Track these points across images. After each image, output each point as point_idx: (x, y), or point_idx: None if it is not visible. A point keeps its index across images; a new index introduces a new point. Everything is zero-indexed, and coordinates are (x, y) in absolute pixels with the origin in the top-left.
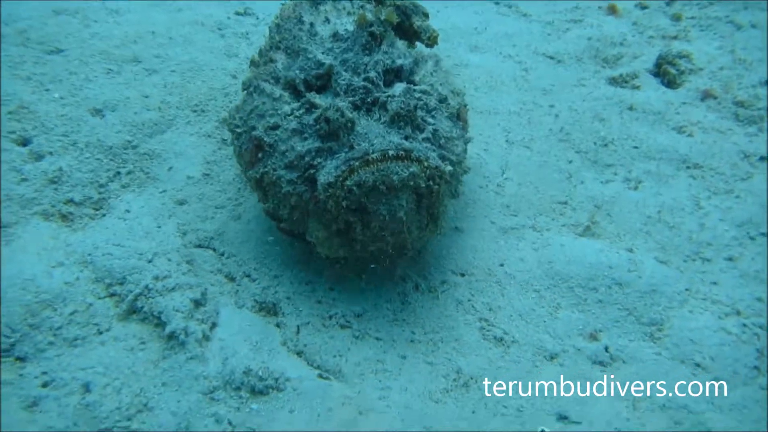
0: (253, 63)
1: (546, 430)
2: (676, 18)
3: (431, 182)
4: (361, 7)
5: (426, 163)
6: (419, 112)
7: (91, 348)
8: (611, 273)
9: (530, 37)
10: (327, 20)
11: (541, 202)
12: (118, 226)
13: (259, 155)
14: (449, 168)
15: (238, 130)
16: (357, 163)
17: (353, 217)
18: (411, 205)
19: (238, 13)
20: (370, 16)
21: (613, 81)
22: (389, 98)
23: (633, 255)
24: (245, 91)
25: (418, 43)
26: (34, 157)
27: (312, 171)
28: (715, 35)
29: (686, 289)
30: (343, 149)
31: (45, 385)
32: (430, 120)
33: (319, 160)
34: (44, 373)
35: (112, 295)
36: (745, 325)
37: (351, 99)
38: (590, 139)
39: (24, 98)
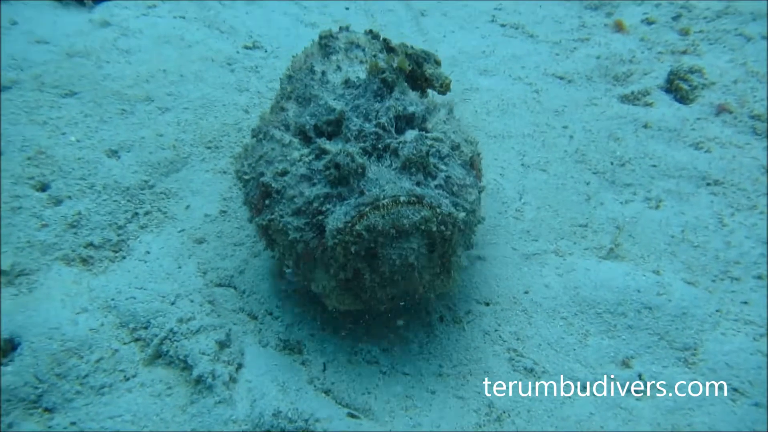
0: (262, 118)
1: None
2: (684, 32)
3: (443, 227)
4: (374, 56)
5: (438, 209)
6: (431, 159)
7: (118, 395)
8: (639, 297)
9: (539, 58)
10: (339, 68)
11: (561, 226)
12: (139, 269)
13: (267, 202)
14: (462, 214)
15: (246, 177)
16: (367, 209)
17: (362, 264)
18: (422, 251)
19: (246, 47)
20: (382, 63)
21: (625, 99)
22: (401, 144)
23: (660, 277)
24: (254, 138)
25: (431, 91)
26: (53, 201)
27: (320, 217)
28: (725, 48)
29: (717, 311)
30: (353, 195)
31: None
32: (443, 167)
33: (328, 206)
34: (73, 423)
35: (137, 339)
36: None
37: (362, 145)
38: (607, 159)
39: (41, 143)
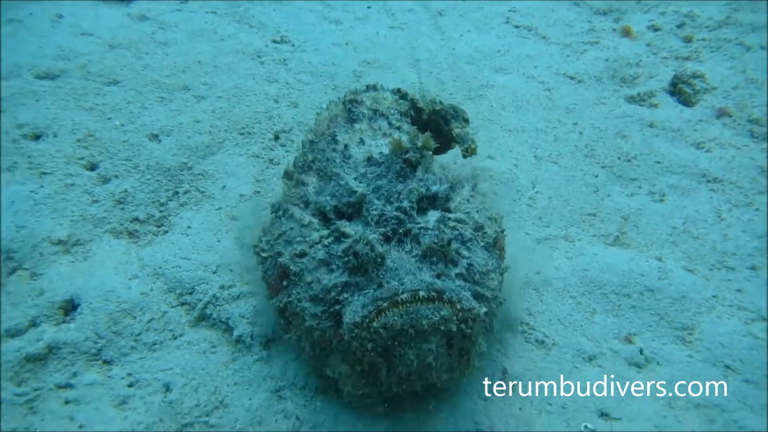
0: (286, 174)
1: (589, 426)
2: (688, 40)
3: (463, 325)
4: (398, 128)
5: (459, 305)
6: (453, 245)
7: (168, 352)
8: (643, 280)
9: (550, 59)
10: (362, 141)
11: (571, 214)
12: (182, 241)
13: (284, 283)
14: (483, 310)
15: (264, 255)
16: (385, 304)
17: (378, 359)
18: (441, 350)
19: (275, 41)
20: (405, 141)
21: (631, 99)
22: (422, 230)
23: (662, 264)
24: (273, 214)
25: (456, 159)
26: (102, 180)
27: (338, 306)
28: (726, 56)
29: (713, 296)
30: (372, 285)
31: (131, 385)
32: (465, 253)
33: (345, 295)
34: (129, 374)
35: (183, 303)
36: None
37: (382, 230)
38: (614, 155)
39: (89, 126)
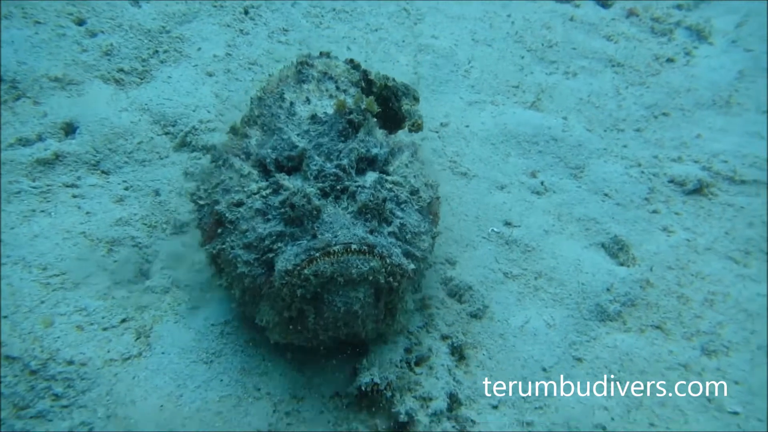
0: (232, 130)
1: (495, 229)
2: None
3: (391, 279)
4: (345, 90)
5: (388, 260)
6: (388, 205)
7: (156, 168)
8: (549, 132)
9: None
10: (308, 100)
11: (498, 85)
12: (164, 87)
13: (219, 230)
14: (412, 266)
15: (201, 202)
16: (318, 254)
17: (307, 306)
18: (368, 300)
19: None
20: (350, 102)
21: None
22: (359, 188)
23: (567, 122)
24: (213, 164)
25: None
26: (90, 33)
27: (270, 255)
28: None
29: (604, 149)
30: (306, 236)
31: (126, 189)
32: (399, 213)
33: (279, 244)
34: (124, 181)
35: (167, 133)
36: (643, 172)
37: (320, 185)
38: (539, 41)
39: None
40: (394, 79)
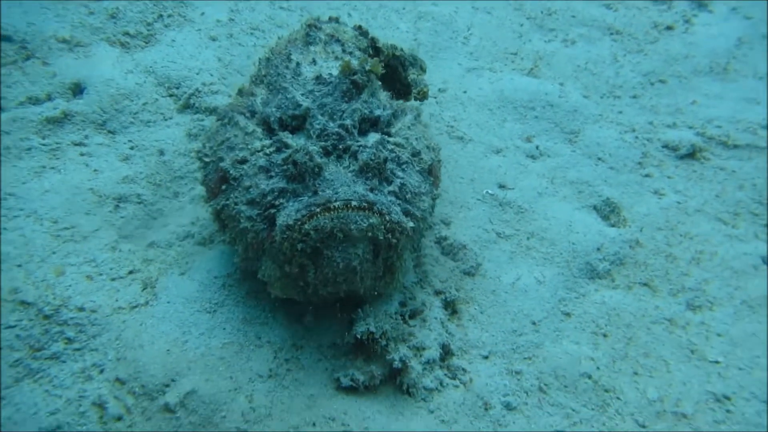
0: (240, 92)
1: (490, 191)
2: None
3: (390, 235)
4: (351, 53)
5: (387, 217)
6: (389, 165)
7: (160, 128)
8: (546, 98)
9: None
10: (314, 62)
11: (497, 53)
12: (168, 50)
13: (223, 187)
14: (411, 224)
15: (206, 159)
16: (318, 209)
17: (307, 261)
18: (367, 256)
19: None
20: (355, 63)
21: None
22: (361, 147)
23: (563, 88)
24: (219, 122)
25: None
26: None
27: (272, 210)
28: None
29: (599, 114)
30: (307, 193)
31: (132, 148)
32: (400, 173)
33: (281, 200)
34: (130, 140)
35: (171, 95)
36: (637, 137)
37: (323, 144)
38: (538, 9)
39: None
40: (402, 49)
